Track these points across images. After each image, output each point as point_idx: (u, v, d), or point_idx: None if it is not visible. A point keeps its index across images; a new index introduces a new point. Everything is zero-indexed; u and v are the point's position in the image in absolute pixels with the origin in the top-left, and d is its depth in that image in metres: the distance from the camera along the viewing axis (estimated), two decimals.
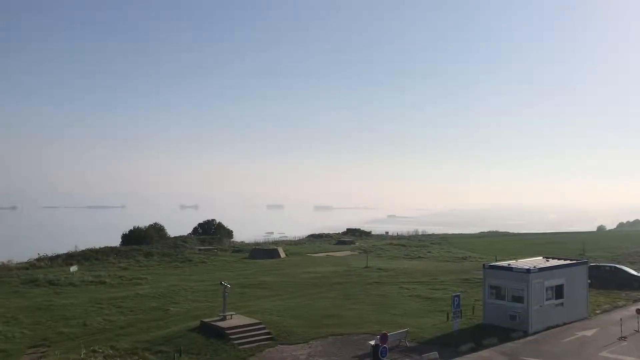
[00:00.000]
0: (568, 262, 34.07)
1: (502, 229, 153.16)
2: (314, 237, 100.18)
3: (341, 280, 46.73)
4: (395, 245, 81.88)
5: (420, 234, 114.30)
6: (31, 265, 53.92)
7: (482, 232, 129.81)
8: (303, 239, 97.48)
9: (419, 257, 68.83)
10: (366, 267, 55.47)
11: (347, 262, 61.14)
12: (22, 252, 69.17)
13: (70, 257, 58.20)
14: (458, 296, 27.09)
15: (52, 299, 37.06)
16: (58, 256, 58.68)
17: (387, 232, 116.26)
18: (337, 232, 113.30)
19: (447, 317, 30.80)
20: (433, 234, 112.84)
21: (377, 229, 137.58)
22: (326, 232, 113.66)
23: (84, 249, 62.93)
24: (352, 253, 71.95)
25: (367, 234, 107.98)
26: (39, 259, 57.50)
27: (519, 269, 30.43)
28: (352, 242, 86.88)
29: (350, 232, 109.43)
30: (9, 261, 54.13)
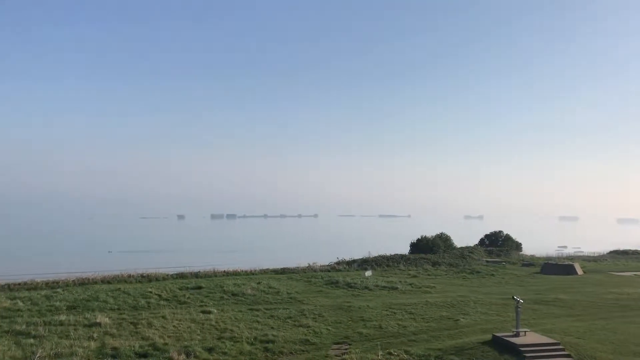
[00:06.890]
0: None
1: None
2: (618, 254, 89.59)
3: None
4: None
5: None
6: (332, 268, 59.72)
7: None
8: (604, 255, 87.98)
9: None
10: None
11: None
12: (324, 255, 77.28)
13: (364, 262, 62.88)
14: None
15: (350, 301, 40.24)
16: (354, 261, 63.97)
17: None
18: None
19: None
20: None
21: None
22: (633, 248, 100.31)
23: (376, 255, 67.45)
24: None
25: None
26: (338, 263, 63.42)
27: None
28: None
29: None
30: (314, 263, 60.93)
